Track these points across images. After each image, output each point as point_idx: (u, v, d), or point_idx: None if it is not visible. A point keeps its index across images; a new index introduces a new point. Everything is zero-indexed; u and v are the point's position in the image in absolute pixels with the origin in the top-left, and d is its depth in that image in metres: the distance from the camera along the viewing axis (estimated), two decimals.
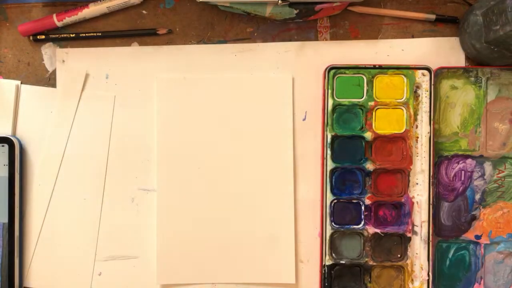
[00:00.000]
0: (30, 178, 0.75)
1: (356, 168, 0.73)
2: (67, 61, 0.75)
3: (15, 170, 0.73)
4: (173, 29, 0.75)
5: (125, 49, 0.75)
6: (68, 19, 0.74)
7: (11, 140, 0.72)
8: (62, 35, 0.74)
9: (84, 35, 0.74)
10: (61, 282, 0.75)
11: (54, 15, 0.73)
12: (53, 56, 0.75)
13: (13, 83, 0.75)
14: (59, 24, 0.74)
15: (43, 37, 0.74)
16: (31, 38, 0.75)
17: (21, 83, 0.75)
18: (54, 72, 0.75)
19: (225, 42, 0.75)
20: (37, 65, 0.75)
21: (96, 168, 0.75)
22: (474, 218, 0.74)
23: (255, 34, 0.75)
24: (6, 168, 0.72)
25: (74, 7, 0.74)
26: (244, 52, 0.75)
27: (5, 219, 0.73)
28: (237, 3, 0.71)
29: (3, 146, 0.72)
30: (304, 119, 0.74)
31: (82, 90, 0.75)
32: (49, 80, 0.75)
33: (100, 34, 0.75)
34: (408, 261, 0.72)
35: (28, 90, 0.75)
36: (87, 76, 0.75)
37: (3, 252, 0.73)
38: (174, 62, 0.75)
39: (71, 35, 0.74)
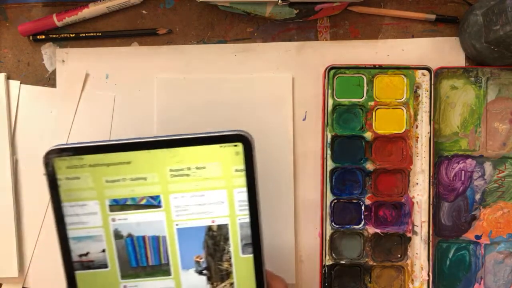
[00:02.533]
0: (30, 178, 0.75)
1: (356, 168, 0.73)
2: (67, 61, 0.75)
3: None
4: (173, 29, 0.75)
5: (125, 49, 0.75)
6: (68, 19, 0.74)
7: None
8: (62, 35, 0.74)
9: (84, 35, 0.74)
10: (61, 282, 0.75)
11: (54, 15, 0.73)
12: (53, 56, 0.75)
13: (13, 83, 0.75)
14: (59, 24, 0.74)
15: (43, 37, 0.74)
16: (31, 38, 0.75)
17: (21, 83, 0.75)
18: (54, 72, 0.75)
19: (225, 42, 0.75)
20: (37, 65, 0.75)
21: None
22: (474, 218, 0.74)
23: (255, 34, 0.75)
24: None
25: (74, 7, 0.74)
26: (244, 52, 0.75)
27: None
28: (237, 3, 0.71)
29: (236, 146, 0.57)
30: (304, 119, 0.74)
31: (82, 90, 0.75)
32: (49, 80, 0.75)
33: (100, 34, 0.75)
34: (408, 261, 0.72)
35: (28, 90, 0.75)
36: (87, 76, 0.75)
37: None
38: (174, 62, 0.75)
39: (71, 35, 0.74)
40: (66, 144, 0.57)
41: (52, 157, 0.56)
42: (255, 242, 0.59)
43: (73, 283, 0.59)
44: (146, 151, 0.56)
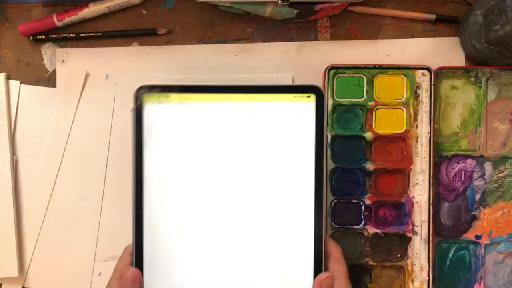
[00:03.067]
0: (30, 178, 0.75)
1: (356, 168, 0.73)
2: (67, 61, 0.75)
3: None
4: (173, 29, 0.75)
5: (125, 49, 0.75)
6: (68, 19, 0.74)
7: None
8: (62, 35, 0.74)
9: (84, 35, 0.74)
10: (61, 282, 0.75)
11: (54, 15, 0.73)
12: (53, 56, 0.75)
13: (13, 83, 0.75)
14: (59, 24, 0.74)
15: (43, 37, 0.74)
16: (31, 38, 0.75)
17: (21, 83, 0.75)
18: (54, 72, 0.75)
19: (225, 42, 0.75)
20: (37, 65, 0.75)
21: (96, 168, 0.75)
22: (474, 218, 0.74)
23: (255, 34, 0.75)
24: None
25: (74, 7, 0.74)
26: (244, 52, 0.75)
27: None
28: (237, 3, 0.71)
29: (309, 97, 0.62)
30: None
31: (82, 90, 0.75)
32: (49, 80, 0.75)
33: (100, 34, 0.75)
34: (408, 261, 0.72)
35: (28, 90, 0.75)
36: (87, 76, 0.75)
37: None
38: (174, 62, 0.75)
39: (71, 35, 0.74)
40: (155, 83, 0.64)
41: (142, 92, 0.61)
42: (317, 194, 0.62)
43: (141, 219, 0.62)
44: (226, 94, 0.61)
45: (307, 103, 0.61)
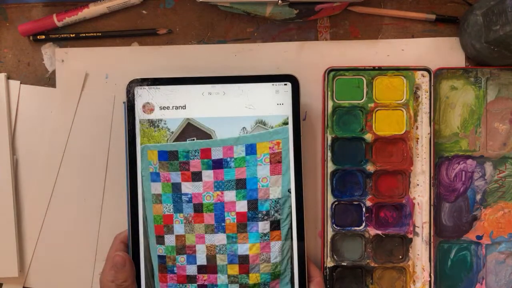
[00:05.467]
0: (30, 178, 0.75)
1: (357, 170, 0.73)
2: (67, 61, 0.75)
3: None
4: (173, 29, 0.75)
5: (125, 49, 0.75)
6: (68, 19, 0.74)
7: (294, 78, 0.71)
8: (62, 35, 0.75)
9: (84, 35, 0.75)
10: (61, 282, 0.75)
11: (54, 15, 0.74)
12: (53, 56, 0.75)
13: (13, 83, 0.75)
14: (59, 24, 0.74)
15: (43, 37, 0.75)
16: (31, 38, 0.75)
17: (21, 83, 0.75)
18: (54, 72, 0.75)
19: (225, 42, 0.75)
20: (37, 65, 0.75)
21: (96, 168, 0.75)
22: (475, 218, 0.74)
23: (255, 34, 0.75)
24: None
25: (74, 7, 0.74)
26: (244, 52, 0.75)
27: None
28: (237, 3, 0.71)
29: (285, 84, 0.70)
30: (304, 119, 0.74)
31: (82, 90, 0.75)
32: (49, 80, 0.75)
33: (100, 34, 0.75)
34: (410, 262, 0.72)
35: (28, 90, 0.75)
36: (87, 76, 0.75)
37: None
38: (174, 62, 0.75)
39: (71, 35, 0.74)
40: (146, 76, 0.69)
41: (134, 85, 0.68)
42: (297, 179, 0.69)
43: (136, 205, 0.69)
44: (211, 85, 0.69)
45: (285, 90, 0.69)
